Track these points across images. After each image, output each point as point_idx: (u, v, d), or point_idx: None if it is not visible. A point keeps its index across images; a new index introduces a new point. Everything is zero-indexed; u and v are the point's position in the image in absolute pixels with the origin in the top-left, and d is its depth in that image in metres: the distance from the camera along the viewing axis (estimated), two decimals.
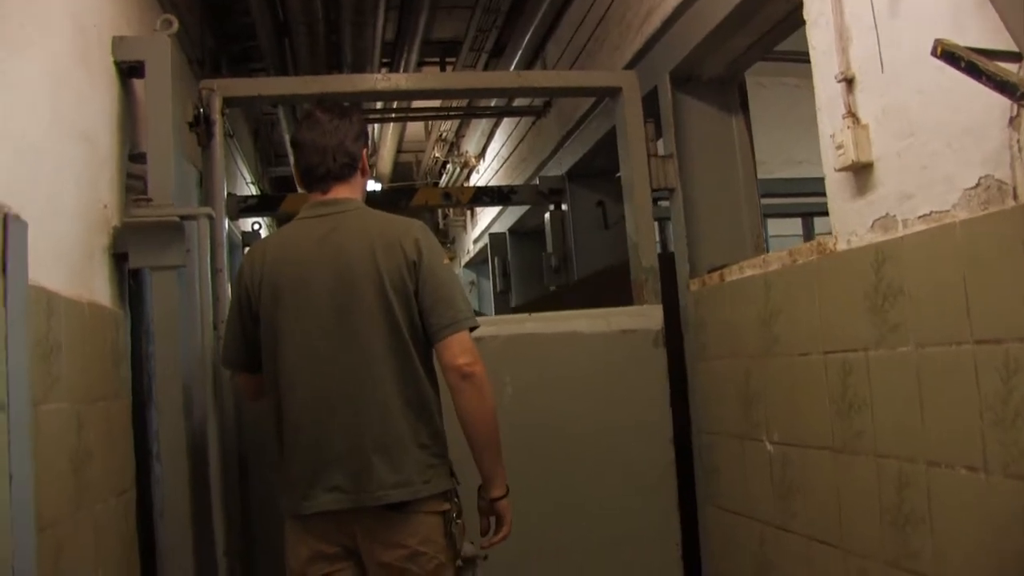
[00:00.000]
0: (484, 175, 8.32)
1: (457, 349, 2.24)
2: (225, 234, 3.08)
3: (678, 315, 3.47)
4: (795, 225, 6.99)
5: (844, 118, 2.28)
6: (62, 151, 2.29)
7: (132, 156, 2.90)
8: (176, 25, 2.81)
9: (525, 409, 3.21)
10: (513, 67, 5.82)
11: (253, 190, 6.78)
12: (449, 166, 9.21)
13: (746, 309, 2.93)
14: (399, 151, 9.30)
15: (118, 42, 2.74)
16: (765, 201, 6.28)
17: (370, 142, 2.57)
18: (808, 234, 6.65)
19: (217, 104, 3.05)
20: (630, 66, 3.92)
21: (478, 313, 2.53)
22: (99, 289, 2.56)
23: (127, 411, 2.68)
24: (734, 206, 3.53)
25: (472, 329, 2.29)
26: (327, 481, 2.23)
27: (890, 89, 2.15)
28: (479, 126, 7.89)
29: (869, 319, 2.24)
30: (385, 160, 9.01)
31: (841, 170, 2.31)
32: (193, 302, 2.88)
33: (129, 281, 2.79)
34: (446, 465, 2.32)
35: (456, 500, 2.32)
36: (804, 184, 5.86)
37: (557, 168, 5.60)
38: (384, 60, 5.89)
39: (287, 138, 6.49)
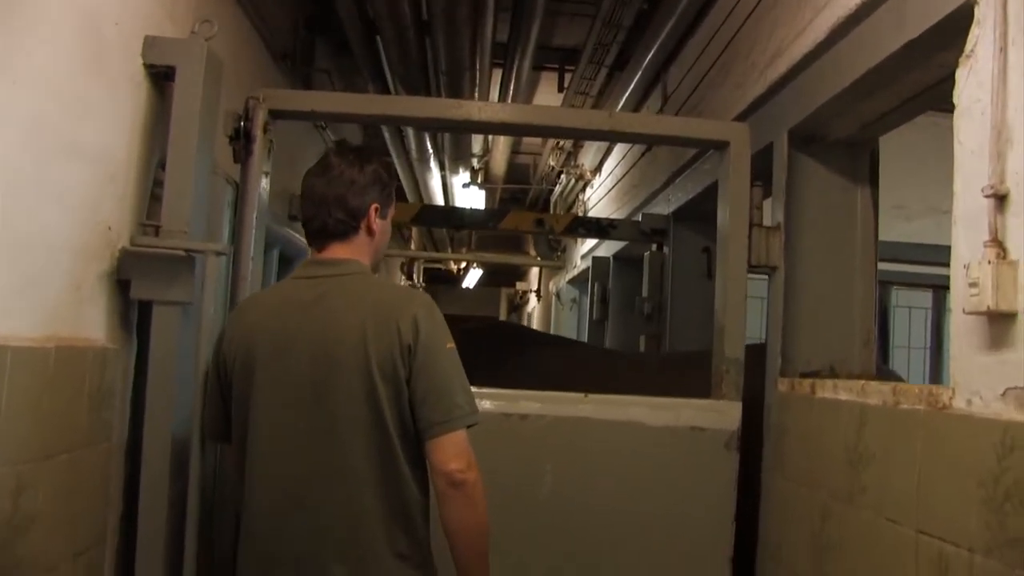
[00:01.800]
0: (598, 191, 7.87)
1: (450, 451, 1.88)
2: (251, 265, 2.74)
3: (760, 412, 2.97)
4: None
5: (986, 246, 1.75)
6: (44, 172, 1.99)
7: (163, 164, 2.61)
8: (216, 28, 2.48)
9: (564, 503, 2.81)
10: (634, 85, 5.37)
11: None
12: (564, 177, 8.78)
13: (834, 436, 2.41)
14: (515, 152, 8.92)
15: (149, 43, 2.43)
16: (894, 267, 5.62)
17: (392, 195, 2.16)
18: (938, 310, 5.90)
19: (260, 119, 2.68)
20: (750, 111, 3.42)
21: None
22: (90, 322, 2.27)
23: (107, 455, 2.39)
24: (846, 295, 2.98)
25: (471, 426, 1.92)
26: None
27: None
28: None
29: (981, 516, 1.72)
30: (498, 161, 8.64)
31: (972, 313, 1.79)
32: (200, 341, 2.57)
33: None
34: None
35: None
36: (940, 252, 5.18)
37: (664, 205, 5.08)
38: (496, 61, 5.51)
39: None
